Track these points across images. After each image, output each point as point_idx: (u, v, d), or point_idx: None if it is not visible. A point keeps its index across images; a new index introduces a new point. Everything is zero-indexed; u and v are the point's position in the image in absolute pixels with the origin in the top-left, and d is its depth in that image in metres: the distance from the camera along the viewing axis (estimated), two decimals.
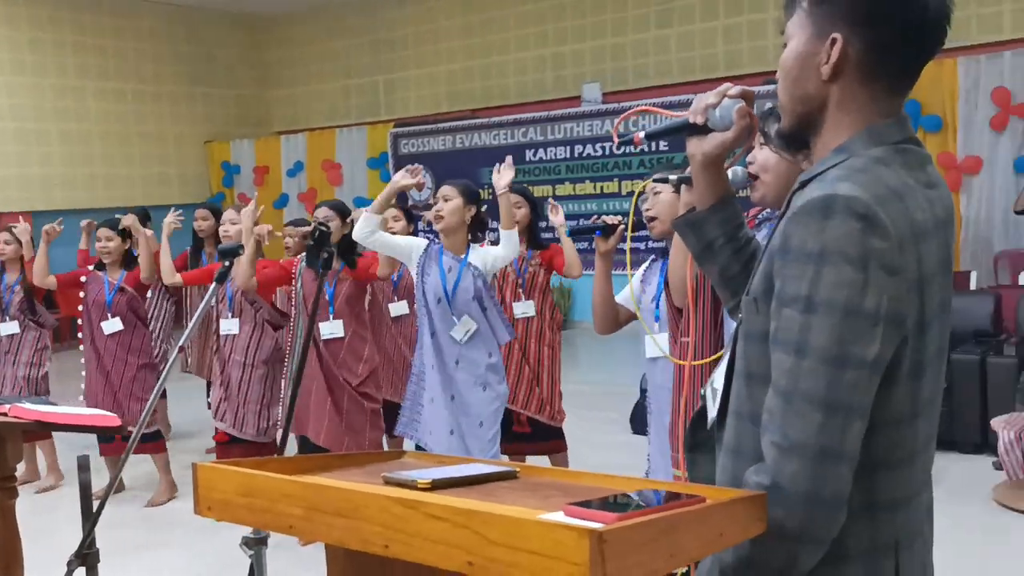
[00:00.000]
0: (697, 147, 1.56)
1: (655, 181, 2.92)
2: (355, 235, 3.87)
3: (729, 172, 2.51)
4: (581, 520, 1.11)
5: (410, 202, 12.84)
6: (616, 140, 1.67)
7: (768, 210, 2.82)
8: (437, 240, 4.08)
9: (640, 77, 11.65)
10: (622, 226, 2.99)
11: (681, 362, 2.72)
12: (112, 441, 5.16)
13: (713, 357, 2.68)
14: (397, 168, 13.19)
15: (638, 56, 11.71)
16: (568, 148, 11.78)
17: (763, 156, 2.33)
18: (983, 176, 9.13)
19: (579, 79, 11.99)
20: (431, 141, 12.90)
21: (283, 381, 5.01)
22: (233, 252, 2.48)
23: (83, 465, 2.45)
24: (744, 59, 10.96)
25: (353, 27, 14.05)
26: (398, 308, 5.34)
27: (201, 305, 2.36)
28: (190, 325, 2.50)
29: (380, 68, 13.87)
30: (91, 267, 5.45)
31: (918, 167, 1.36)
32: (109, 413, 2.80)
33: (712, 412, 1.51)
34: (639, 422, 6.86)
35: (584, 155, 11.67)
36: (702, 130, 1.54)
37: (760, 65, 10.76)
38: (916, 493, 1.38)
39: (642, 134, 1.61)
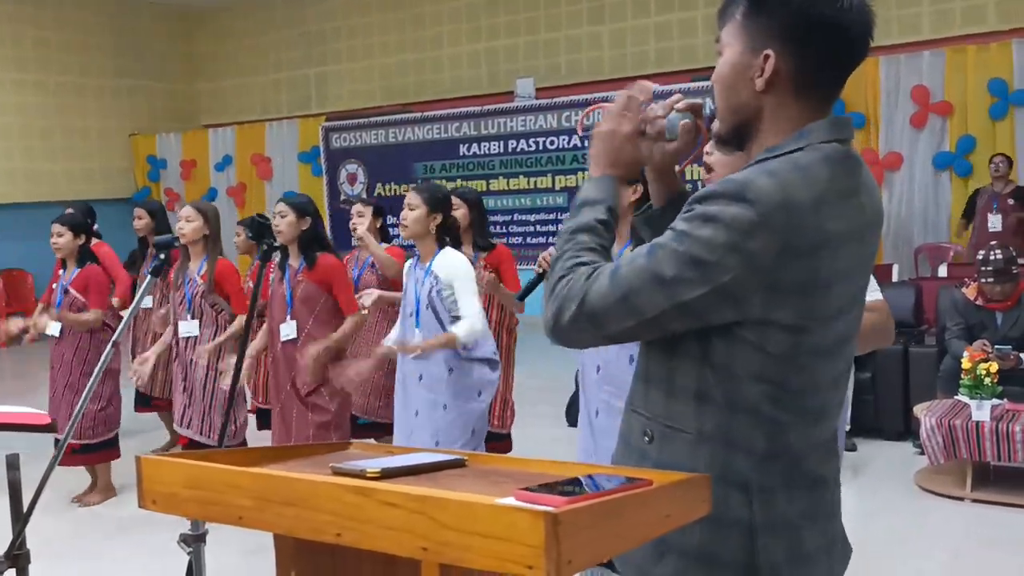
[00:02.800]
0: (649, 151, 1.59)
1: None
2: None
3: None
4: (533, 504, 1.13)
5: (342, 196, 12.75)
6: (581, 132, 1.73)
7: None
8: (415, 252, 3.95)
9: (573, 73, 11.73)
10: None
11: None
12: (76, 452, 5.02)
13: None
14: (329, 162, 13.12)
15: (571, 52, 11.79)
16: (502, 143, 11.80)
17: (711, 158, 2.42)
18: (904, 172, 9.42)
19: (512, 74, 12.01)
20: (363, 135, 12.80)
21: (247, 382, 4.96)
22: (168, 244, 2.43)
23: (12, 464, 2.39)
24: (675, 56, 11.11)
25: (284, 19, 13.85)
26: None
27: (138, 296, 2.31)
28: (124, 319, 2.45)
29: (311, 61, 13.71)
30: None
31: (851, 174, 1.43)
32: (39, 412, 2.73)
33: None
34: (575, 415, 6.92)
35: (518, 150, 11.70)
36: (658, 137, 1.59)
37: (690, 62, 10.93)
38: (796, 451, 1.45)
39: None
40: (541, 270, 2.89)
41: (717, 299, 1.35)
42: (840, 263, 1.39)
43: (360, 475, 1.35)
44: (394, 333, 4.01)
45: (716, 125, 2.64)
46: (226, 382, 4.62)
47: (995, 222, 8.21)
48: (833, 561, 1.51)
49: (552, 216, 11.55)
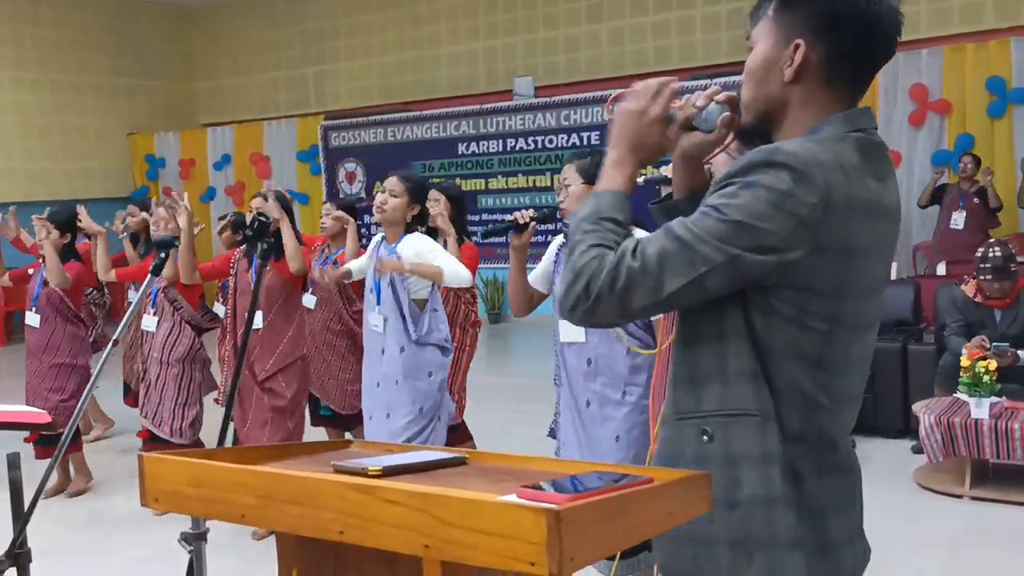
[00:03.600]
0: (682, 140, 1.60)
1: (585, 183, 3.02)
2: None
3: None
4: (535, 501, 1.14)
5: (341, 195, 12.73)
6: (608, 116, 1.69)
7: None
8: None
9: (571, 71, 11.73)
10: (533, 223, 3.08)
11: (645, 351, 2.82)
12: (49, 444, 5.02)
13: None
14: (327, 161, 13.11)
15: (569, 51, 11.78)
16: (500, 142, 11.80)
17: (718, 160, 2.45)
18: (902, 170, 9.42)
19: (511, 73, 12.01)
20: (362, 134, 12.80)
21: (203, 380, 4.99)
22: (168, 244, 2.44)
23: (13, 463, 2.39)
24: (673, 54, 11.11)
25: (282, 18, 13.84)
26: (308, 300, 5.29)
27: (136, 299, 2.32)
28: (124, 318, 2.45)
29: (310, 60, 13.70)
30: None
31: (874, 159, 1.46)
32: (39, 410, 2.73)
33: None
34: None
35: (516, 149, 11.71)
36: (687, 126, 1.59)
37: (689, 60, 10.94)
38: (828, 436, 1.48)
39: None
40: (513, 219, 3.07)
41: (764, 263, 1.36)
42: (870, 236, 1.42)
43: (362, 473, 1.35)
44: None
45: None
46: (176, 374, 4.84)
47: (958, 219, 8.36)
48: (856, 555, 1.52)
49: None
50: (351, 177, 12.94)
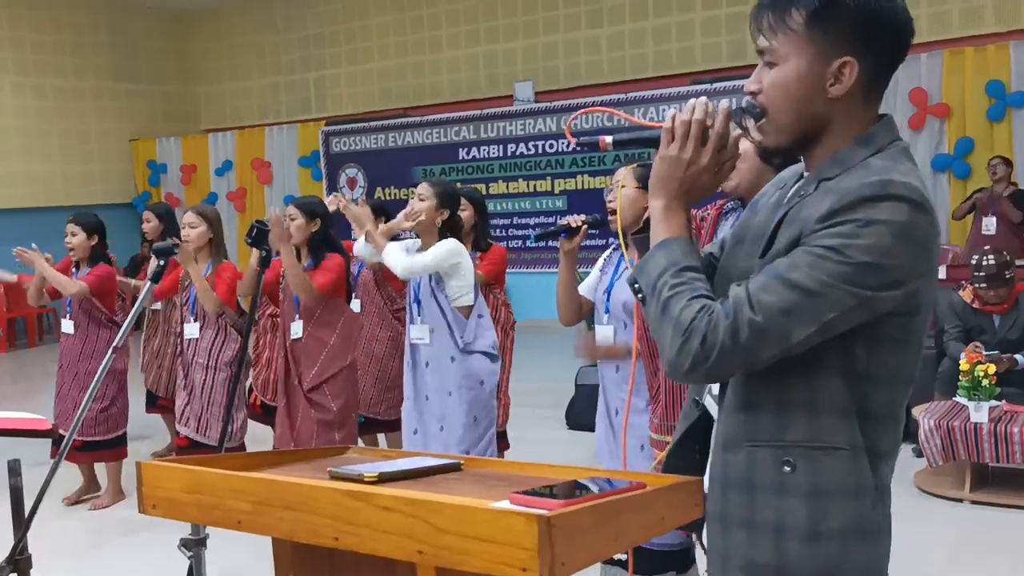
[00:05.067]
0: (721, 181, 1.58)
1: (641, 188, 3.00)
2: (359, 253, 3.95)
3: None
4: (527, 507, 1.15)
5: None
6: (571, 139, 1.65)
7: (733, 201, 2.92)
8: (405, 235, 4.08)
9: (572, 76, 11.75)
10: (585, 226, 3.06)
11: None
12: (87, 450, 5.07)
13: None
14: (329, 167, 13.13)
15: (569, 56, 11.81)
16: (501, 147, 11.83)
17: (742, 146, 2.41)
18: None
19: (511, 78, 12.04)
20: (363, 140, 12.82)
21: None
22: (168, 251, 2.45)
23: (14, 469, 2.40)
24: (673, 59, 11.14)
25: (282, 23, 13.88)
26: (352, 306, 5.32)
27: (134, 307, 2.33)
28: (124, 326, 2.46)
29: (310, 65, 13.74)
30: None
31: (914, 163, 1.49)
32: (40, 417, 2.74)
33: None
34: (574, 418, 6.94)
35: (517, 154, 11.73)
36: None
37: (689, 66, 10.96)
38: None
39: (609, 139, 1.59)
40: (566, 223, 3.05)
41: (893, 298, 1.38)
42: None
43: (358, 479, 1.36)
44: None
45: (754, 137, 2.57)
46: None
47: (989, 224, 8.23)
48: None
49: (551, 219, 11.55)
50: (352, 183, 12.96)
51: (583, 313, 3.34)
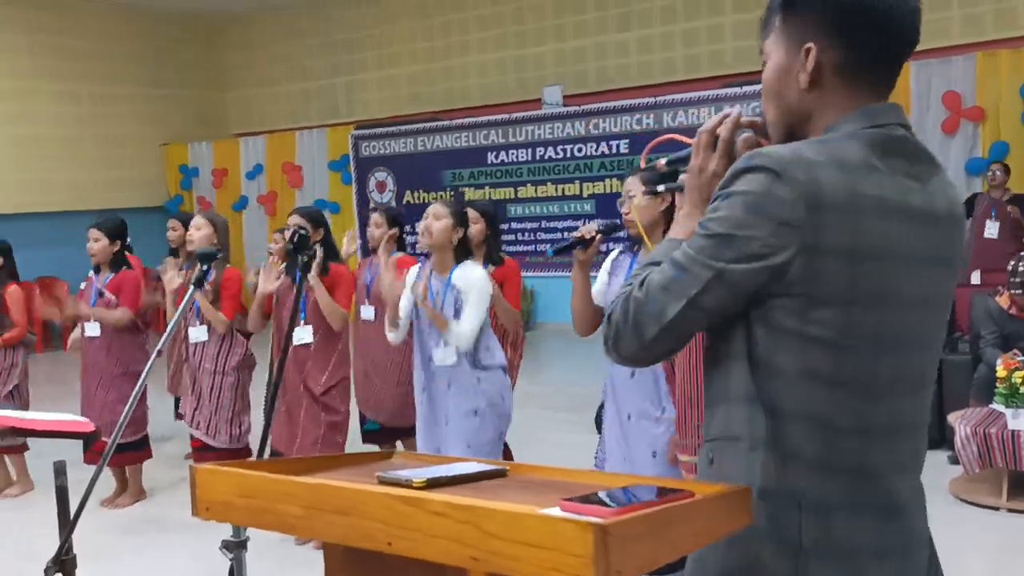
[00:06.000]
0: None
1: (647, 194, 3.00)
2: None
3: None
4: (580, 515, 1.15)
5: (371, 204, 12.81)
6: (644, 164, 1.78)
7: None
8: (423, 262, 4.03)
9: (601, 80, 11.75)
10: (599, 235, 3.08)
11: None
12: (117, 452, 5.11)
13: None
14: (358, 170, 13.21)
15: (598, 59, 11.81)
16: (530, 150, 11.84)
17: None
18: None
19: (540, 82, 12.05)
20: (392, 143, 12.88)
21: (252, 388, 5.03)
22: (211, 256, 2.48)
23: (59, 470, 2.43)
24: (703, 63, 11.10)
25: (312, 28, 13.98)
26: (366, 312, 5.31)
27: (177, 312, 2.36)
28: (167, 330, 2.50)
29: (340, 70, 13.83)
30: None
31: (897, 155, 1.38)
32: (82, 419, 2.78)
33: None
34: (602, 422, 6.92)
35: (546, 157, 11.74)
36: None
37: (719, 69, 10.92)
38: (867, 467, 1.36)
39: (663, 161, 1.69)
40: (580, 236, 3.05)
41: (752, 272, 1.31)
42: (886, 239, 1.33)
43: (407, 485, 1.37)
44: (393, 334, 4.08)
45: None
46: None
47: (991, 229, 8.31)
48: None
49: (579, 223, 11.51)
50: (381, 186, 13.03)
51: (598, 322, 3.30)
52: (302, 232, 2.62)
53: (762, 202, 1.30)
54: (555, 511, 1.19)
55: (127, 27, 13.71)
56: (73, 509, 2.47)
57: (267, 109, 14.64)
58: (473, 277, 3.84)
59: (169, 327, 2.48)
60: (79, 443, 4.96)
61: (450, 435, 3.87)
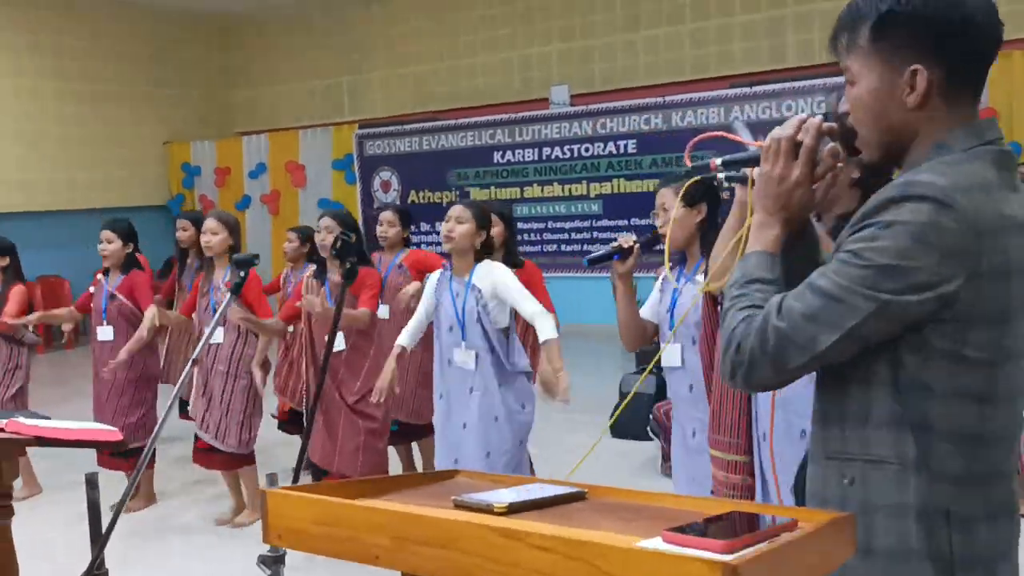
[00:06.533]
0: (820, 195, 1.55)
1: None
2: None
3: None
4: (686, 547, 1.09)
5: (376, 204, 12.74)
6: (688, 163, 1.72)
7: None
8: (448, 264, 3.97)
9: (607, 80, 11.68)
10: (637, 246, 3.01)
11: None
12: (117, 456, 5.04)
13: None
14: (363, 169, 13.13)
15: (605, 59, 11.74)
16: (536, 150, 11.78)
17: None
18: None
19: (546, 81, 11.99)
20: (397, 143, 12.81)
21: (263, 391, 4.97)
22: (248, 262, 2.41)
23: (92, 482, 2.37)
24: (711, 63, 11.04)
25: (316, 27, 13.90)
26: (382, 311, 5.26)
27: (216, 317, 2.29)
28: (203, 338, 2.43)
29: (344, 69, 13.74)
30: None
31: (1006, 168, 1.41)
32: (110, 428, 2.72)
33: None
34: (618, 426, 6.85)
35: (552, 157, 11.67)
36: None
37: (727, 69, 10.86)
38: (997, 473, 1.42)
39: (719, 160, 1.64)
40: (617, 246, 3.00)
41: (918, 302, 1.32)
42: (1019, 252, 1.37)
43: (487, 510, 1.31)
44: (405, 336, 4.03)
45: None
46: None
47: None
48: None
49: (587, 224, 11.49)
50: (386, 186, 12.96)
51: (648, 337, 3.25)
52: (345, 238, 2.56)
53: (928, 232, 1.31)
54: (656, 543, 1.13)
55: (129, 26, 13.61)
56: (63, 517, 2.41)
57: (270, 108, 14.55)
58: (498, 273, 3.81)
59: (207, 333, 2.41)
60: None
61: (469, 441, 3.81)
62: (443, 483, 1.59)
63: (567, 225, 11.57)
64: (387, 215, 5.39)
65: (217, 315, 2.22)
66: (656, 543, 1.13)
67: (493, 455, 3.78)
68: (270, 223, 13.59)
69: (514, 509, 1.32)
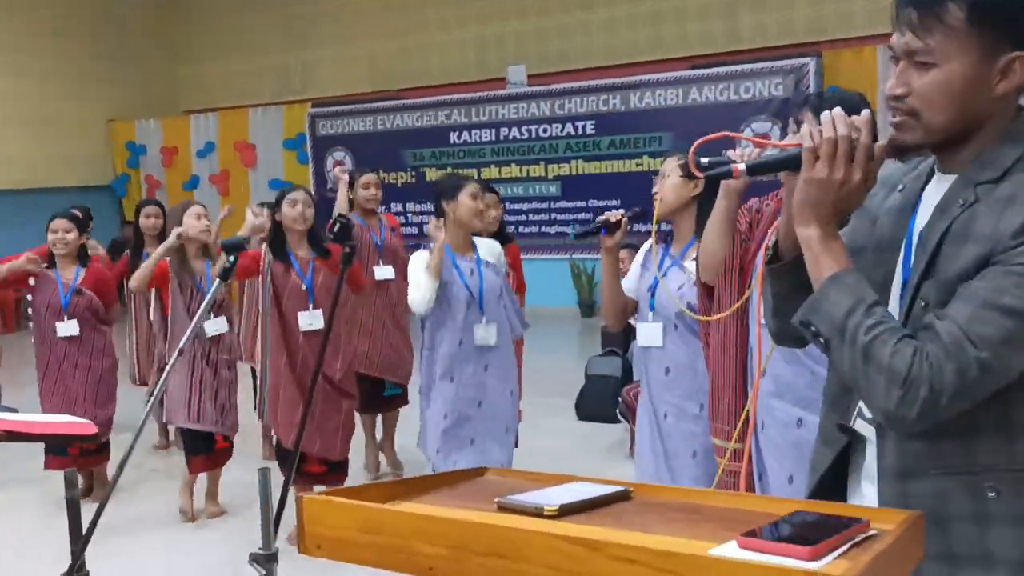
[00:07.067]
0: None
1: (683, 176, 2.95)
2: (415, 306, 3.71)
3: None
4: (764, 554, 1.03)
5: (329, 185, 12.51)
6: (694, 169, 1.62)
7: None
8: (427, 244, 3.86)
9: (564, 60, 11.59)
10: (625, 220, 2.98)
11: (704, 317, 2.67)
12: (63, 455, 4.83)
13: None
14: (315, 149, 12.87)
15: (562, 39, 11.64)
16: (493, 131, 11.65)
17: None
18: None
19: (502, 61, 11.85)
20: (351, 122, 12.58)
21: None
22: (238, 246, 2.29)
23: (71, 481, 2.24)
24: (667, 44, 11.01)
25: (266, 2, 13.56)
26: (383, 272, 5.20)
27: (204, 303, 2.17)
28: (191, 327, 2.31)
29: (294, 45, 13.44)
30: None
31: None
32: (84, 420, 2.58)
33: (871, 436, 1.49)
34: (585, 408, 6.84)
35: (510, 138, 11.56)
36: None
37: (684, 50, 10.85)
38: None
39: (742, 166, 1.50)
40: (605, 219, 2.97)
41: None
42: None
43: (536, 513, 1.23)
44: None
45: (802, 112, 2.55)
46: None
47: None
48: None
49: (545, 205, 11.42)
50: (339, 166, 12.72)
51: (628, 313, 3.22)
52: (343, 221, 2.44)
53: None
54: (730, 549, 1.06)
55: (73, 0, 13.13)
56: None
57: (218, 85, 14.18)
58: (496, 248, 3.91)
59: (193, 323, 2.29)
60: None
61: (485, 419, 3.73)
62: (474, 482, 1.50)
63: (525, 207, 11.48)
64: (371, 177, 5.33)
65: (206, 301, 2.09)
66: (732, 550, 1.07)
67: (510, 431, 3.82)
68: (219, 203, 13.27)
69: (565, 511, 1.25)
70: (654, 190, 3.02)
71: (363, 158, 12.48)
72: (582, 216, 11.08)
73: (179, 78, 14.57)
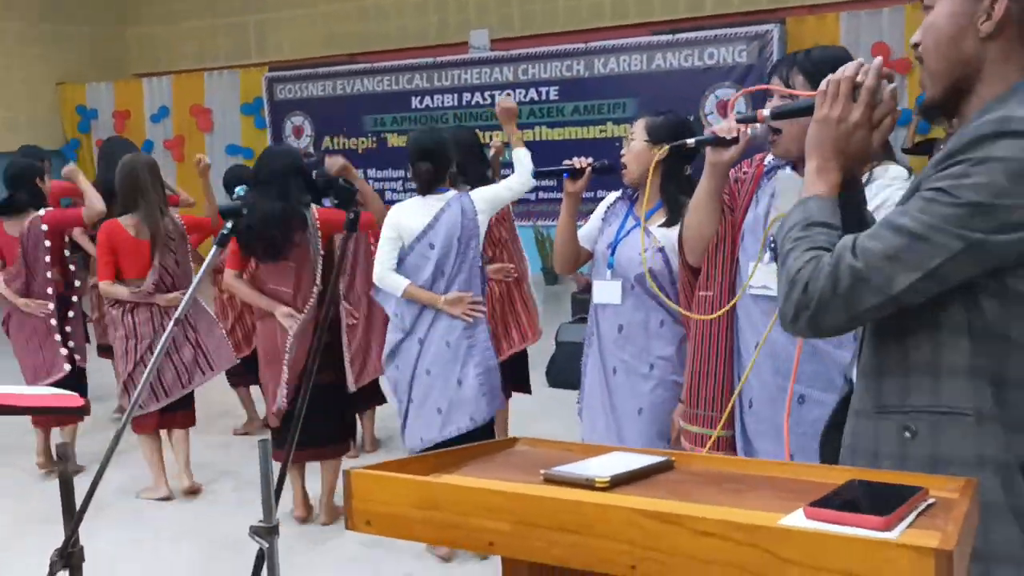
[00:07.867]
0: (877, 139, 1.49)
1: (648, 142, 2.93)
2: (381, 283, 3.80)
3: (749, 129, 2.48)
4: (834, 524, 1.01)
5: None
6: (732, 116, 1.80)
7: (775, 159, 2.76)
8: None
9: (526, 24, 11.46)
10: (589, 169, 2.98)
11: (698, 316, 2.62)
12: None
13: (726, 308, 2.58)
14: (273, 114, 12.62)
15: (525, 3, 11.50)
16: (456, 96, 11.51)
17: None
18: None
19: (464, 25, 11.69)
20: (310, 87, 12.34)
21: None
22: (236, 212, 2.22)
23: (64, 455, 2.16)
24: (630, 9, 10.94)
25: None
26: None
27: (203, 268, 2.09)
28: (187, 293, 2.23)
29: (250, 7, 13.12)
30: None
31: None
32: (71, 393, 2.50)
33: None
34: (555, 375, 6.85)
35: (472, 103, 11.44)
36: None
37: (647, 15, 10.78)
38: None
39: (767, 112, 1.62)
40: (570, 164, 2.98)
41: (1010, 242, 1.26)
42: None
43: (587, 485, 1.21)
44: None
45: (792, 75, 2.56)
46: None
47: None
48: None
49: (508, 172, 11.31)
50: (298, 131, 12.51)
51: (580, 262, 3.19)
52: (347, 186, 2.37)
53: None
54: (797, 519, 1.04)
55: None
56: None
57: (171, 47, 13.80)
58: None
59: (190, 290, 2.21)
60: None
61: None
62: (508, 452, 1.47)
63: (488, 173, 11.37)
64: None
65: (205, 265, 2.02)
66: (797, 518, 1.05)
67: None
68: (175, 169, 12.98)
69: (616, 483, 1.22)
70: (622, 152, 3.00)
71: (323, 123, 12.30)
72: (546, 183, 11.03)
73: (131, 40, 14.15)
